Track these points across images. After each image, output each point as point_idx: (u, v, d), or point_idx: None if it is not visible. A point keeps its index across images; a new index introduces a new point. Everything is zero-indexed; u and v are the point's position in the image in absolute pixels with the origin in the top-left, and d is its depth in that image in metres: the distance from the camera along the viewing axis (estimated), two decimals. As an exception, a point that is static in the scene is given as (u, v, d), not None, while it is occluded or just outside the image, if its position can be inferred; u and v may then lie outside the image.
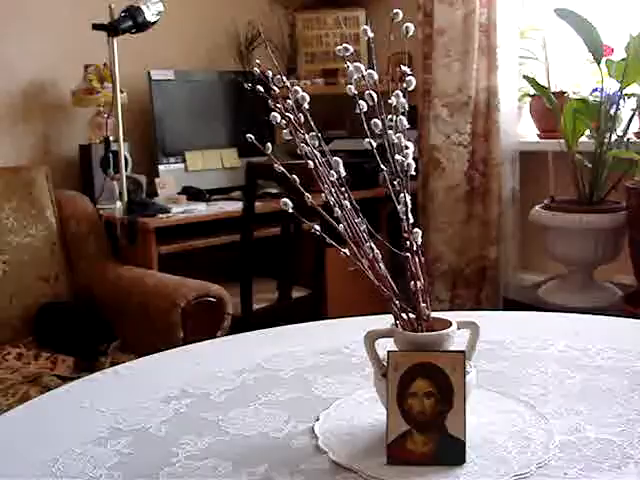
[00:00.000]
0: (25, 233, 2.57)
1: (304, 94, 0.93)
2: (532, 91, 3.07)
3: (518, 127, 3.28)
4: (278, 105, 0.91)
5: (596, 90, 2.84)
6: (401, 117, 0.96)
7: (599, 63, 2.65)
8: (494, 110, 3.14)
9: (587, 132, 2.81)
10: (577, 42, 2.79)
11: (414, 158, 0.97)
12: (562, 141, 2.76)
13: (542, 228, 2.81)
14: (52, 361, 2.28)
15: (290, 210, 0.91)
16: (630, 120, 2.72)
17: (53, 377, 2.15)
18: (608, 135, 2.70)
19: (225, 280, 2.54)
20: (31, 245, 2.57)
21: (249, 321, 2.61)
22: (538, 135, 3.21)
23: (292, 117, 0.92)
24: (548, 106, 2.78)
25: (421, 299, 0.96)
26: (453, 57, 3.17)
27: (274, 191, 3.00)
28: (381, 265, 0.95)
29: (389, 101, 0.95)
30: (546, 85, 2.86)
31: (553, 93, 2.82)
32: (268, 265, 2.79)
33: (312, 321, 1.58)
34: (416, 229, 0.96)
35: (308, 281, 2.87)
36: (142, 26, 2.71)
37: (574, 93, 3.01)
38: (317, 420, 1.05)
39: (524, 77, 2.94)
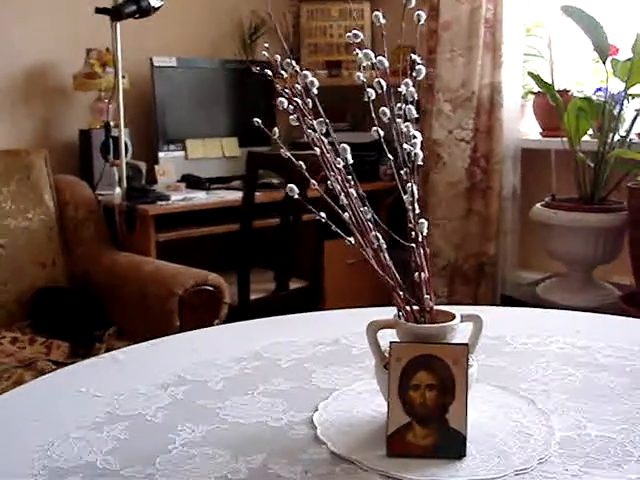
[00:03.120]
0: (23, 217, 2.55)
1: (313, 79, 0.91)
2: (536, 89, 3.06)
3: (521, 124, 3.27)
4: (286, 90, 0.90)
5: (600, 89, 2.84)
6: (410, 106, 0.95)
7: (604, 62, 2.64)
8: (497, 106, 3.13)
9: (590, 131, 2.80)
10: (582, 40, 2.79)
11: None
12: (565, 139, 2.75)
13: (542, 226, 2.81)
14: (47, 346, 2.26)
15: (296, 196, 0.89)
16: (634, 120, 2.71)
17: (48, 362, 2.14)
18: (611, 135, 2.69)
19: (223, 269, 2.52)
20: (28, 229, 2.55)
21: (246, 311, 2.60)
22: (540, 133, 3.19)
23: (300, 102, 0.90)
24: (552, 104, 2.77)
25: (425, 290, 0.95)
26: (457, 52, 3.16)
27: (274, 181, 2.99)
28: (385, 255, 0.94)
29: (398, 89, 0.93)
30: (550, 83, 2.85)
31: (557, 91, 2.81)
32: (266, 255, 2.78)
33: (309, 312, 1.57)
34: (422, 219, 0.94)
35: (306, 272, 2.86)
36: (146, 11, 2.69)
37: (578, 92, 3.00)
38: (316, 410, 1.04)
39: (529, 74, 2.93)
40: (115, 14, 2.65)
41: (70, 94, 3.05)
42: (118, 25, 2.67)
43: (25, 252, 2.52)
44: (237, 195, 2.82)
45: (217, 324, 2.32)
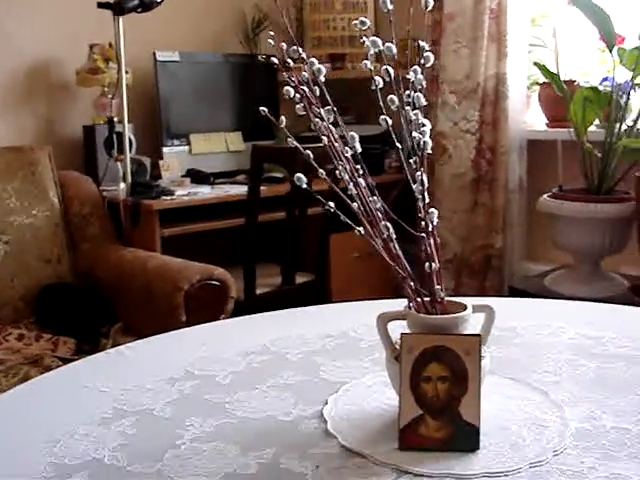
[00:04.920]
0: (27, 213, 2.54)
1: (320, 66, 0.90)
2: (541, 79, 3.04)
3: (526, 115, 3.25)
4: (293, 78, 0.88)
5: (606, 79, 2.81)
6: (418, 94, 0.94)
7: (611, 51, 2.62)
8: (502, 98, 3.11)
9: (596, 121, 2.78)
10: (587, 30, 2.77)
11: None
12: (571, 130, 2.73)
13: (549, 217, 2.78)
14: (53, 342, 2.25)
15: (304, 185, 0.88)
16: (641, 109, 2.68)
17: (54, 358, 2.13)
18: (618, 125, 2.67)
19: (228, 264, 2.51)
20: (33, 226, 2.54)
21: (252, 306, 2.58)
22: (546, 124, 3.17)
23: (307, 90, 0.88)
24: (559, 94, 2.75)
25: (436, 281, 0.94)
26: (462, 43, 3.14)
27: (279, 175, 2.97)
28: (396, 245, 0.92)
29: (407, 76, 0.92)
30: (556, 73, 2.83)
31: (563, 81, 2.78)
32: (272, 250, 2.77)
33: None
34: (432, 209, 0.93)
35: (312, 266, 2.84)
36: (148, 5, 2.67)
37: (584, 82, 2.98)
38: (326, 404, 1.03)
39: (535, 64, 2.90)
40: (118, 9, 2.63)
41: (73, 90, 3.03)
42: (121, 20, 2.65)
43: (30, 249, 2.51)
44: (242, 189, 2.80)
45: (223, 319, 2.31)
